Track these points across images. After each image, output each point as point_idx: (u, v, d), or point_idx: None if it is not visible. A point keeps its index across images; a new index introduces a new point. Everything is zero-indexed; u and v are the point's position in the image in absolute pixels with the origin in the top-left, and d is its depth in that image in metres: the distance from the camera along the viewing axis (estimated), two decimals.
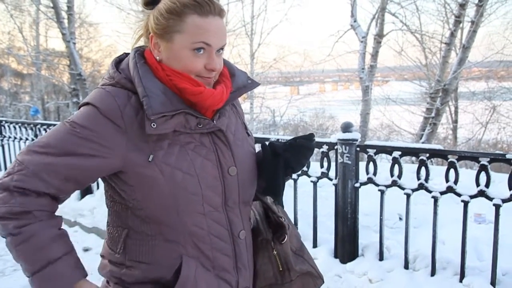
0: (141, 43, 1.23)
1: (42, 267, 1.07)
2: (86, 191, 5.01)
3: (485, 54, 11.51)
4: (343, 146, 3.05)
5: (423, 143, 9.68)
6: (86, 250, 4.22)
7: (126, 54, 1.22)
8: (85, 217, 4.66)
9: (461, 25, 9.89)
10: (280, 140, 1.71)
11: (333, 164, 3.21)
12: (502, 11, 24.51)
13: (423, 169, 2.78)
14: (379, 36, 10.78)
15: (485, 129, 17.64)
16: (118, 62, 1.19)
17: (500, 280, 2.68)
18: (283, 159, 1.24)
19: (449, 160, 2.66)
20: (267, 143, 1.27)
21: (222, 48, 1.14)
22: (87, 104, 1.11)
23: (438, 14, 11.84)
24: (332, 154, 3.23)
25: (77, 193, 5.05)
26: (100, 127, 1.07)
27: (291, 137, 1.29)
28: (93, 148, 1.07)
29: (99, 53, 19.43)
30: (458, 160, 2.65)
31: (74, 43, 11.76)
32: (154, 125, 1.06)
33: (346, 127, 3.03)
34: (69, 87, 13.16)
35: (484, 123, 17.38)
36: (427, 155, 2.75)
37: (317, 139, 4.41)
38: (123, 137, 1.08)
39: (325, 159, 3.23)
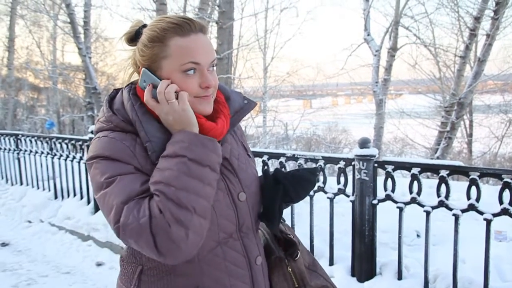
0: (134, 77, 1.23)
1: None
2: None
3: (500, 67, 11.43)
4: (361, 162, 3.00)
5: (438, 157, 9.56)
6: (99, 265, 4.20)
7: (117, 91, 1.21)
8: (99, 231, 4.65)
9: (476, 38, 9.79)
10: (282, 169, 1.61)
11: (350, 179, 3.16)
12: None
13: (443, 186, 2.72)
14: (393, 49, 10.76)
15: (501, 142, 17.40)
16: (111, 100, 1.18)
17: None
18: (283, 187, 1.23)
19: (470, 177, 2.59)
20: (271, 169, 1.27)
21: (213, 65, 1.13)
22: (95, 158, 1.08)
23: (452, 28, 11.82)
24: (349, 170, 3.18)
25: (90, 207, 5.06)
26: (120, 169, 1.06)
27: (296, 168, 1.29)
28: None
29: (114, 67, 19.67)
30: (480, 177, 2.58)
31: (90, 57, 11.91)
32: None
33: (364, 143, 2.99)
34: (84, 100, 13.31)
35: (500, 137, 17.16)
36: (448, 171, 2.69)
37: (332, 154, 4.38)
38: (142, 174, 1.07)
39: (342, 175, 3.18)
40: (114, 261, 4.21)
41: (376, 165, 3.02)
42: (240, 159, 1.23)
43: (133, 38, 1.16)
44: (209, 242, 1.11)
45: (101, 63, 19.02)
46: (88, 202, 5.15)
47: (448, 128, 9.81)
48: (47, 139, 5.73)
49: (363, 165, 2.99)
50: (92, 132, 4.92)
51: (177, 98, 1.08)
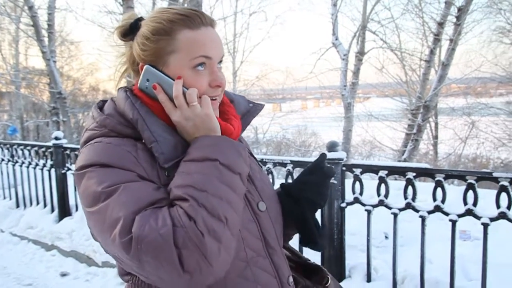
0: (124, 83, 1.10)
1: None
2: (65, 213, 4.85)
3: (463, 71, 11.76)
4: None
5: (405, 159, 9.75)
6: (64, 275, 4.06)
7: (103, 101, 1.06)
8: (63, 240, 4.50)
9: (439, 43, 10.06)
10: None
11: None
12: (479, 29, 25.12)
13: (410, 188, 2.75)
14: (360, 53, 10.93)
15: (465, 144, 17.93)
16: (100, 108, 1.04)
17: None
18: (306, 201, 1.12)
19: (436, 179, 2.63)
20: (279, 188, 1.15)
21: (221, 61, 1.03)
22: (89, 166, 0.91)
23: (417, 32, 12.10)
24: None
25: (54, 215, 4.90)
26: (123, 177, 0.89)
27: (302, 172, 1.17)
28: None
29: (80, 71, 19.25)
30: (445, 178, 2.62)
31: (55, 61, 11.60)
32: (167, 174, 0.93)
33: (332, 147, 2.99)
34: (49, 105, 12.94)
35: (463, 139, 17.67)
36: (414, 174, 2.72)
37: (301, 158, 4.37)
38: (149, 182, 0.92)
39: None
40: (79, 271, 4.09)
41: (344, 168, 3.03)
42: (252, 167, 1.10)
43: (127, 32, 1.03)
44: (237, 263, 0.96)
45: (66, 67, 18.60)
46: (52, 210, 4.99)
47: (414, 131, 10.03)
48: (8, 145, 5.54)
49: None
50: (56, 138, 4.78)
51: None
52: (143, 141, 0.95)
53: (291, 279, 1.08)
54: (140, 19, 1.03)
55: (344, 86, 11.11)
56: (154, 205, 0.86)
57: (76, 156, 4.61)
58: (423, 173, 2.76)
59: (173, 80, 0.97)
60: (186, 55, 0.96)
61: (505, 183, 2.42)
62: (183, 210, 0.84)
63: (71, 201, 4.86)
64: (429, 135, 17.74)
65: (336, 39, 11.23)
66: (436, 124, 17.69)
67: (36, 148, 5.16)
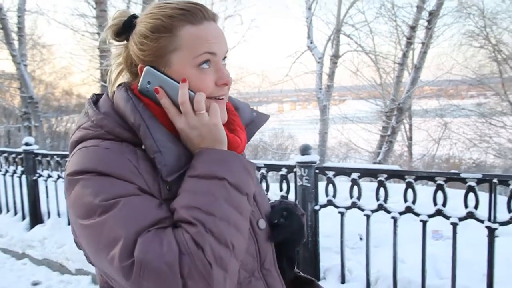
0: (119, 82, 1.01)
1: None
2: (36, 220, 4.75)
3: (435, 74, 12.02)
4: (302, 169, 3.02)
5: (380, 161, 9.89)
6: (35, 284, 3.96)
7: (97, 95, 0.98)
8: (35, 248, 4.40)
9: (412, 46, 10.25)
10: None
11: (292, 186, 3.18)
12: (450, 33, 25.74)
13: (381, 189, 2.79)
14: (335, 56, 11.05)
15: (438, 145, 18.31)
16: (94, 103, 0.95)
17: None
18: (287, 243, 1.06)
19: (406, 181, 2.67)
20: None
21: (225, 57, 0.95)
22: (83, 173, 0.82)
23: (391, 36, 12.29)
24: (291, 176, 3.20)
25: (26, 222, 4.78)
26: (122, 190, 0.81)
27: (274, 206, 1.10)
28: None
29: (53, 75, 18.87)
30: (415, 180, 2.67)
31: (26, 65, 11.34)
32: (169, 187, 0.86)
33: (305, 150, 3.01)
34: (20, 110, 12.64)
35: (437, 140, 18.05)
36: (386, 176, 2.76)
37: (274, 162, 4.39)
38: (151, 196, 0.85)
39: (284, 182, 3.19)
40: (52, 279, 4.01)
41: (317, 171, 3.05)
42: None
43: (120, 31, 0.94)
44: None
45: (39, 71, 18.18)
46: (23, 218, 4.88)
47: (389, 132, 10.18)
48: None
49: (304, 172, 3.01)
50: (27, 144, 4.67)
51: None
52: (143, 147, 0.87)
53: None
54: (134, 17, 0.95)
55: (319, 89, 11.21)
56: (157, 225, 0.79)
57: (48, 162, 4.53)
58: (393, 174, 2.81)
59: (178, 83, 0.89)
60: (190, 52, 0.89)
61: (472, 184, 2.48)
62: (190, 235, 0.77)
63: (43, 208, 4.76)
64: (403, 136, 18.05)
65: (311, 42, 11.33)
66: (411, 125, 18.00)
67: (6, 154, 5.05)
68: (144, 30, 0.90)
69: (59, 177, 4.45)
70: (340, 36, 11.38)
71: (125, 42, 0.96)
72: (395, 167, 2.90)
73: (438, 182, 2.58)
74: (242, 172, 0.87)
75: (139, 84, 0.91)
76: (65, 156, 4.33)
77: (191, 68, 0.89)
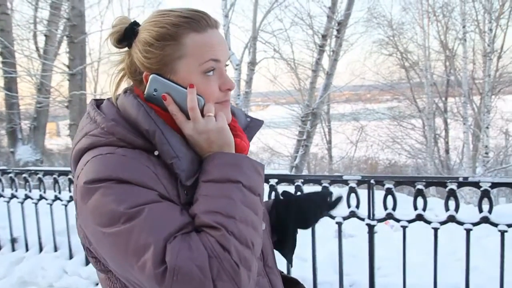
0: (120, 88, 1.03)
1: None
2: None
3: (351, 80, 12.70)
4: None
5: (297, 164, 10.22)
6: None
7: (97, 100, 0.98)
8: None
9: (324, 54, 10.73)
10: None
11: None
12: (363, 42, 27.28)
13: (273, 193, 2.91)
14: (252, 63, 11.27)
15: (356, 147, 19.28)
16: (98, 108, 0.95)
17: None
18: (296, 208, 1.14)
19: (296, 184, 2.81)
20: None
21: (227, 64, 0.98)
22: (103, 180, 0.83)
23: (308, 43, 12.82)
24: None
25: None
26: (145, 197, 0.83)
27: (307, 193, 1.22)
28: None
29: None
30: (303, 183, 2.81)
31: None
32: (186, 192, 0.88)
33: None
34: None
35: (355, 142, 19.00)
36: (276, 180, 2.88)
37: None
38: (171, 202, 0.86)
39: None
40: None
41: None
42: None
43: (121, 38, 0.95)
44: None
45: None
46: None
47: (304, 137, 10.55)
48: None
49: None
50: None
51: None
52: (156, 154, 0.88)
53: None
54: (135, 24, 0.95)
55: (238, 95, 11.38)
56: (181, 230, 0.81)
57: None
58: (284, 179, 2.93)
59: (185, 88, 0.91)
60: (195, 60, 0.91)
61: (353, 185, 2.67)
62: (215, 239, 0.80)
63: None
64: (323, 140, 18.81)
65: (229, 49, 11.48)
66: (329, 129, 18.81)
67: None
68: (149, 38, 0.91)
69: None
70: (257, 43, 11.65)
71: (126, 49, 0.97)
72: (285, 172, 3.04)
73: (323, 184, 2.74)
74: (254, 174, 0.90)
75: (145, 91, 0.92)
76: None
77: (197, 75, 0.91)
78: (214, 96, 0.93)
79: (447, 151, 16.68)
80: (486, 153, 12.60)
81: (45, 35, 8.37)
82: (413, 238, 2.93)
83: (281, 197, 1.19)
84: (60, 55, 9.48)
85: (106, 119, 0.90)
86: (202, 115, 0.91)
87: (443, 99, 16.29)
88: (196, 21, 0.91)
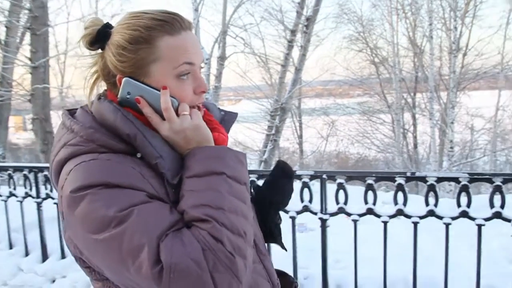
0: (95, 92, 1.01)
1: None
2: None
3: (321, 75, 12.81)
4: None
5: (265, 159, 10.28)
6: None
7: (69, 110, 0.97)
8: None
9: (292, 49, 10.78)
10: None
11: None
12: (333, 37, 27.56)
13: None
14: (222, 58, 11.24)
15: (327, 142, 19.49)
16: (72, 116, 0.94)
17: (302, 284, 2.94)
18: (272, 201, 1.15)
19: (251, 179, 2.84)
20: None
21: (202, 67, 0.98)
22: (89, 187, 0.82)
23: (280, 38, 12.86)
24: None
25: None
26: (133, 198, 0.82)
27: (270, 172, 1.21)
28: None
29: None
30: (257, 178, 2.83)
31: None
32: (174, 191, 0.89)
33: None
34: None
35: (325, 137, 19.19)
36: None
37: None
38: (160, 201, 0.86)
39: None
40: None
41: None
42: None
43: (94, 40, 0.93)
44: None
45: None
46: None
47: (273, 131, 10.61)
48: None
49: None
50: None
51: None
52: (139, 156, 0.88)
53: (278, 281, 1.09)
54: (108, 26, 0.94)
55: (207, 89, 11.37)
56: (173, 227, 0.81)
57: None
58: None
59: (158, 91, 0.91)
60: (169, 63, 0.90)
61: (306, 180, 2.72)
62: (206, 231, 0.81)
63: None
64: (294, 134, 18.93)
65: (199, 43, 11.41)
66: (300, 124, 18.94)
67: None
68: (122, 41, 0.90)
69: None
70: (227, 37, 11.61)
71: (99, 51, 0.95)
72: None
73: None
74: (237, 164, 0.91)
75: (118, 95, 0.91)
76: None
77: (171, 78, 0.91)
78: (188, 99, 0.93)
79: (415, 146, 17.03)
80: (451, 147, 12.97)
81: (6, 27, 8.13)
82: (367, 232, 3.01)
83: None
84: (23, 47, 9.23)
85: (84, 127, 0.89)
86: (178, 115, 0.91)
87: (412, 94, 16.61)
88: (170, 23, 0.91)
